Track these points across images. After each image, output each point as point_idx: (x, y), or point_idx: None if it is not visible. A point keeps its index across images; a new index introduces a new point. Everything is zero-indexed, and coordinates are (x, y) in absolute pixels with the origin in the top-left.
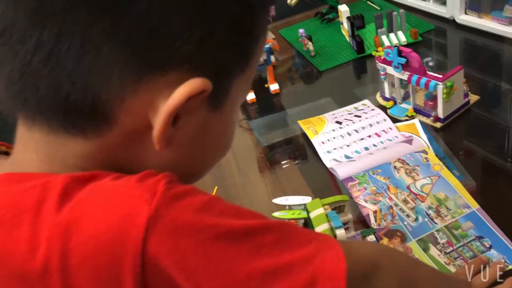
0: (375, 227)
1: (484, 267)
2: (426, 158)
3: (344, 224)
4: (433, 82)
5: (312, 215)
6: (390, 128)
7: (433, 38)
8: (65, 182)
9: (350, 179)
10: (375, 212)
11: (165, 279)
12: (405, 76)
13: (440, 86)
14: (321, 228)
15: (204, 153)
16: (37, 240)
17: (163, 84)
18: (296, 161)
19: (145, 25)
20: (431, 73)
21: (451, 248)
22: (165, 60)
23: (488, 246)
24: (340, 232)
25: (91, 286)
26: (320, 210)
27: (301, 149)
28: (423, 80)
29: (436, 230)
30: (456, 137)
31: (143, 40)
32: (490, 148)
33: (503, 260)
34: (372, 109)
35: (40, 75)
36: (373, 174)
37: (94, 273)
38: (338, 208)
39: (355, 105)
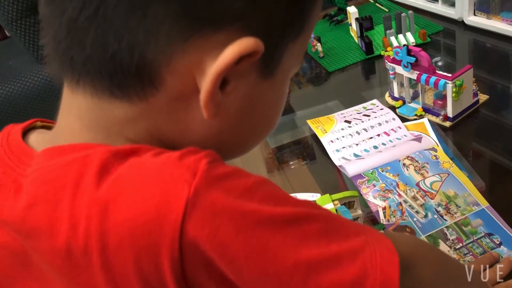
0: (385, 223)
1: (495, 263)
2: (435, 155)
3: (354, 219)
4: (442, 81)
5: None
6: (399, 127)
7: (442, 39)
8: (105, 157)
9: (359, 176)
10: (384, 208)
11: (205, 262)
12: (414, 75)
13: (450, 85)
14: None
15: (251, 126)
16: (77, 217)
17: (213, 43)
18: (305, 161)
19: None
20: (440, 72)
21: (460, 244)
22: (216, 17)
23: (498, 242)
24: None
25: (131, 267)
26: (330, 205)
27: (310, 149)
28: (432, 79)
29: (446, 227)
30: (465, 137)
31: None
32: (499, 148)
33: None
34: (381, 109)
35: (87, 32)
36: (382, 171)
37: (132, 254)
38: (348, 204)
39: (364, 104)
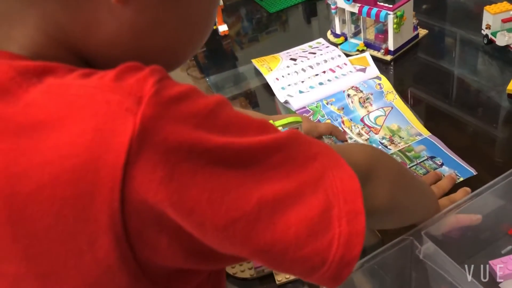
0: None
1: (438, 180)
2: (379, 84)
3: None
4: (383, 12)
5: None
6: (345, 64)
7: None
8: (6, 76)
9: (304, 110)
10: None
11: (155, 215)
12: (355, 8)
13: (391, 16)
14: None
15: (181, 20)
16: None
17: None
18: (249, 106)
19: None
20: (381, 4)
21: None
22: None
23: (440, 163)
24: None
25: (48, 221)
26: None
27: (252, 96)
28: (374, 10)
29: (390, 154)
30: (404, 73)
31: None
32: (435, 87)
33: (453, 174)
34: (327, 46)
35: None
36: (327, 104)
37: (52, 206)
38: None
39: (310, 43)
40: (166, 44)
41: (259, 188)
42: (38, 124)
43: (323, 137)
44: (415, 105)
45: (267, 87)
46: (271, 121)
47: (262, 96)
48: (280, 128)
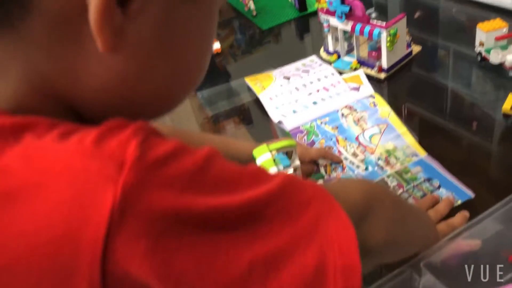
0: (326, 178)
1: (435, 204)
2: (373, 102)
3: (293, 171)
4: (377, 30)
5: (259, 161)
6: (338, 82)
7: None
8: None
9: (298, 130)
10: (325, 166)
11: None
12: (348, 26)
13: (384, 34)
14: None
15: (172, 65)
16: None
17: None
18: (242, 124)
19: None
20: (374, 22)
21: (401, 190)
22: None
23: (437, 186)
24: (290, 172)
25: None
26: (267, 155)
27: (247, 113)
28: (367, 28)
29: (386, 176)
30: (399, 90)
31: None
32: (430, 103)
33: (451, 197)
34: (320, 64)
35: None
36: (321, 124)
37: (28, 280)
38: (286, 154)
39: (303, 61)
40: (157, 91)
41: (250, 248)
42: (14, 192)
43: (319, 160)
44: (410, 122)
45: (260, 103)
46: (265, 145)
47: (255, 112)
48: (274, 152)
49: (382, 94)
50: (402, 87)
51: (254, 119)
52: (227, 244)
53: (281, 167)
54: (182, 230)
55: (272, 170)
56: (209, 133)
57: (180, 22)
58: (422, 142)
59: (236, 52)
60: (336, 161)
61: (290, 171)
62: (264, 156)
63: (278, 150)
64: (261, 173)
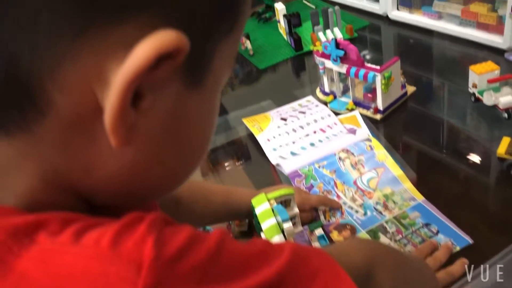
0: (325, 223)
1: (434, 251)
2: (370, 146)
3: (291, 218)
4: (371, 73)
5: (258, 210)
6: (335, 123)
7: (368, 34)
8: None
9: (296, 174)
10: (324, 211)
11: None
12: (343, 68)
13: (379, 77)
14: (267, 223)
15: (178, 151)
16: None
17: (116, 41)
18: (240, 161)
19: None
20: (368, 65)
21: (400, 236)
22: (120, 1)
23: (435, 231)
24: (288, 226)
25: None
26: (266, 205)
27: (245, 149)
28: (362, 71)
29: (385, 221)
30: (396, 129)
31: None
32: (427, 139)
33: (449, 243)
34: (316, 105)
35: None
36: (319, 168)
37: None
38: (284, 203)
39: (299, 101)
40: (165, 174)
41: None
42: None
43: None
44: (407, 160)
45: (257, 147)
46: (263, 194)
47: (252, 147)
48: (272, 201)
49: (378, 134)
50: (398, 127)
51: (252, 154)
52: None
53: (279, 219)
54: None
55: (271, 221)
56: (210, 180)
57: (187, 111)
58: (420, 179)
59: (233, 88)
60: (336, 207)
61: (288, 224)
62: (263, 206)
63: (276, 199)
64: (268, 249)
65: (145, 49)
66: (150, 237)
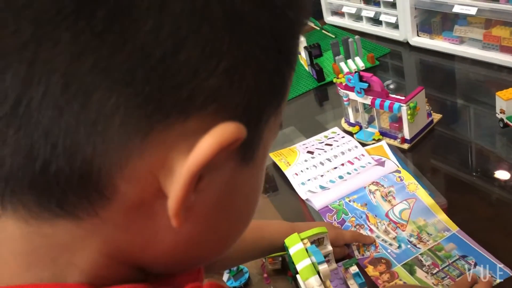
0: (359, 257)
1: (473, 284)
2: (400, 177)
3: (325, 256)
4: (396, 104)
5: (292, 251)
6: (363, 155)
7: (390, 61)
8: None
9: (327, 209)
10: (358, 245)
11: None
12: (368, 100)
13: (404, 108)
14: (302, 264)
15: (231, 220)
16: None
17: (181, 135)
18: (268, 194)
19: (155, 51)
20: (393, 96)
21: (437, 269)
22: (185, 101)
23: (472, 263)
24: (323, 268)
25: None
26: (300, 245)
27: (272, 181)
28: (387, 103)
29: (420, 254)
30: (424, 157)
31: (153, 75)
32: (457, 164)
33: (489, 276)
34: (342, 137)
35: (4, 137)
36: (350, 202)
37: None
38: (318, 241)
39: (325, 133)
40: (218, 240)
41: None
42: None
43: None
44: (438, 188)
45: (284, 178)
46: (296, 234)
47: (279, 179)
48: (306, 240)
49: (407, 163)
50: (426, 154)
51: (279, 186)
52: None
53: (314, 259)
54: None
55: (306, 261)
56: None
57: (239, 185)
58: (451, 204)
59: None
60: (369, 243)
61: (324, 266)
62: (297, 247)
63: (309, 238)
64: None
65: (209, 143)
66: None
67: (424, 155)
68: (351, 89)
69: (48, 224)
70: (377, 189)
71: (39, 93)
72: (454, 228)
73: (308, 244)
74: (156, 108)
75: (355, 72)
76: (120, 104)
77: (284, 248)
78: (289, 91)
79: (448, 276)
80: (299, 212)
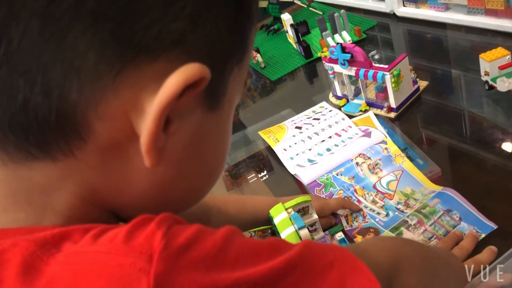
0: (348, 228)
1: (459, 241)
2: (386, 148)
3: (311, 225)
4: (380, 73)
5: (276, 220)
6: (350, 126)
7: (377, 34)
8: (28, 252)
9: (315, 184)
10: (346, 216)
11: None
12: (352, 71)
13: (388, 76)
14: (286, 232)
15: (200, 167)
16: None
17: (150, 75)
18: (261, 174)
19: None
20: (377, 65)
21: (423, 228)
22: (153, 42)
23: (457, 219)
24: (304, 233)
25: None
26: (284, 215)
27: (265, 162)
28: (370, 72)
29: (407, 216)
30: (412, 126)
31: (123, 15)
32: (446, 131)
33: (474, 231)
34: (330, 110)
35: None
36: (337, 175)
37: None
38: (303, 210)
39: (313, 108)
40: (189, 188)
41: None
42: None
43: (339, 210)
44: (429, 154)
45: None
46: (281, 204)
47: (273, 160)
48: (290, 210)
49: (395, 132)
50: (414, 122)
51: (274, 166)
52: None
53: (296, 227)
54: None
55: (290, 229)
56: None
57: (206, 133)
58: (445, 173)
59: (251, 97)
60: (355, 210)
61: (304, 231)
62: (281, 216)
63: (293, 207)
64: (280, 243)
65: (175, 80)
66: (160, 231)
67: (412, 123)
68: (335, 61)
69: (26, 166)
70: (364, 162)
71: (19, 34)
72: (439, 189)
73: (292, 213)
74: (127, 47)
75: (337, 44)
76: (94, 42)
77: (270, 222)
78: (252, 48)
79: (434, 236)
80: (293, 188)
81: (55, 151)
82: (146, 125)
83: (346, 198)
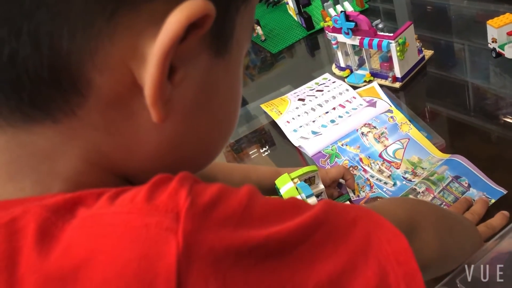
0: (355, 199)
1: (469, 207)
2: (392, 117)
3: (318, 196)
4: (385, 42)
5: (282, 191)
6: (354, 97)
7: (380, 5)
8: (42, 218)
9: (320, 154)
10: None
11: None
12: (356, 41)
13: (393, 44)
14: None
15: (212, 121)
16: None
17: (148, 17)
18: (265, 149)
19: None
20: (382, 33)
21: (432, 195)
22: None
23: (466, 185)
24: (312, 201)
25: None
26: (290, 185)
27: (268, 136)
28: (375, 41)
29: (415, 184)
30: (417, 96)
31: None
32: (451, 102)
33: (484, 197)
34: (333, 82)
35: None
36: (342, 146)
37: None
38: (309, 180)
39: (316, 80)
40: (200, 145)
41: (311, 272)
42: (82, 263)
43: (341, 180)
44: (433, 125)
45: (280, 132)
46: (286, 174)
47: (275, 134)
48: (296, 179)
49: (399, 103)
50: (419, 93)
51: (276, 141)
52: (289, 271)
53: (303, 196)
54: (245, 264)
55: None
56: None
57: (215, 81)
58: (449, 145)
59: (250, 76)
60: (350, 183)
61: (313, 199)
62: (287, 186)
63: (299, 177)
64: (301, 203)
65: (177, 19)
66: (183, 189)
67: (417, 94)
68: (339, 31)
69: (25, 131)
70: (369, 131)
71: None
72: (448, 156)
73: (298, 182)
74: None
75: (341, 12)
76: None
77: (275, 193)
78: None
79: (444, 203)
80: (296, 161)
81: (53, 110)
82: (149, 74)
83: (346, 167)
